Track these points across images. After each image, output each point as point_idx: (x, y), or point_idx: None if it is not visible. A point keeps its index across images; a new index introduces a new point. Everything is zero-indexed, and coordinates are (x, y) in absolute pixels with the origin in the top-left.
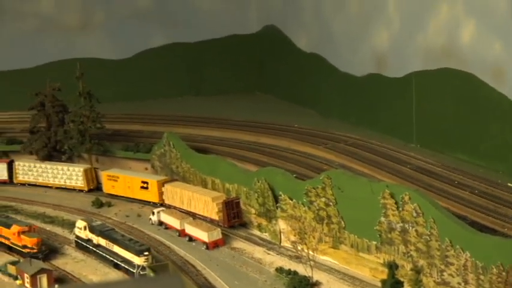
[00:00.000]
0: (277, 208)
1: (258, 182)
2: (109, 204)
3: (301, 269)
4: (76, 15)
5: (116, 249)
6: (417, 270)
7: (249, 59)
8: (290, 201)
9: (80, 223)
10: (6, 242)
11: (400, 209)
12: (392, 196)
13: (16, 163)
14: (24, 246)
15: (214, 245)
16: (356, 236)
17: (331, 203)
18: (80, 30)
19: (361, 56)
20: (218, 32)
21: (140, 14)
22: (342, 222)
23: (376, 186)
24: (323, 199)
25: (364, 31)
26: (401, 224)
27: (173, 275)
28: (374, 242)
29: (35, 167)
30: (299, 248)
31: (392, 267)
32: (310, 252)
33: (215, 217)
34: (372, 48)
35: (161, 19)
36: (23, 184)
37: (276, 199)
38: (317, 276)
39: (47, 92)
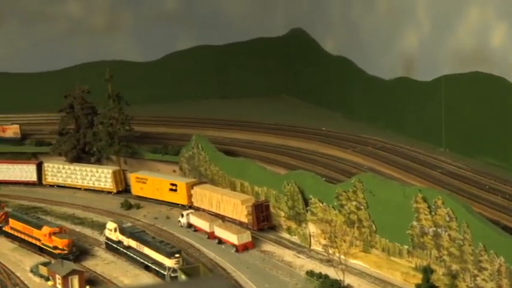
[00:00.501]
0: (307, 211)
1: (288, 185)
2: (138, 206)
3: (332, 273)
4: (104, 17)
5: (147, 251)
6: (453, 275)
7: (276, 62)
8: (320, 204)
9: (111, 225)
10: (37, 243)
11: (433, 213)
12: (425, 200)
13: (45, 165)
14: (55, 248)
15: (244, 247)
16: (387, 240)
17: (362, 207)
18: (107, 33)
19: (389, 59)
20: (245, 35)
21: (168, 17)
22: (373, 226)
23: (408, 190)
24: (354, 203)
25: (393, 34)
26: (434, 229)
27: (218, 277)
28: (406, 246)
29: (63, 168)
30: (330, 251)
31: (427, 271)
32: (341, 256)
33: (244, 220)
34: (401, 52)
35: (188, 22)
36: (51, 185)
37: (306, 202)
38: (348, 279)
39: (76, 94)
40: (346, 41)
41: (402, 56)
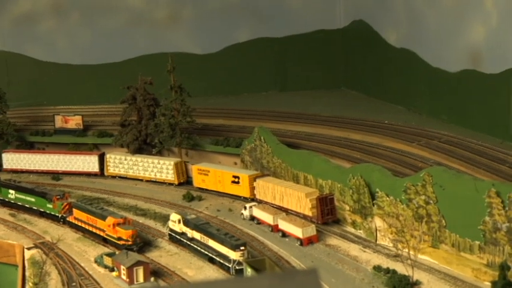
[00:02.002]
0: (373, 205)
1: (354, 178)
2: (200, 198)
3: (400, 268)
4: (164, 9)
5: (211, 243)
6: None
7: (335, 55)
8: (387, 198)
9: (174, 216)
10: (101, 234)
11: (507, 208)
12: (498, 195)
13: (107, 156)
14: (119, 238)
15: (309, 241)
16: (458, 236)
17: (431, 201)
18: (167, 24)
19: (454, 52)
20: (305, 27)
21: (227, 9)
22: (443, 221)
23: (480, 184)
24: (423, 197)
25: (458, 26)
26: (507, 224)
27: (310, 271)
28: (477, 242)
29: (125, 159)
30: (399, 246)
31: (504, 268)
32: (411, 251)
33: (308, 213)
34: (467, 44)
35: (248, 13)
36: (113, 177)
37: (372, 196)
38: (417, 275)
39: (139, 86)
40: (409, 33)
41: (468, 47)
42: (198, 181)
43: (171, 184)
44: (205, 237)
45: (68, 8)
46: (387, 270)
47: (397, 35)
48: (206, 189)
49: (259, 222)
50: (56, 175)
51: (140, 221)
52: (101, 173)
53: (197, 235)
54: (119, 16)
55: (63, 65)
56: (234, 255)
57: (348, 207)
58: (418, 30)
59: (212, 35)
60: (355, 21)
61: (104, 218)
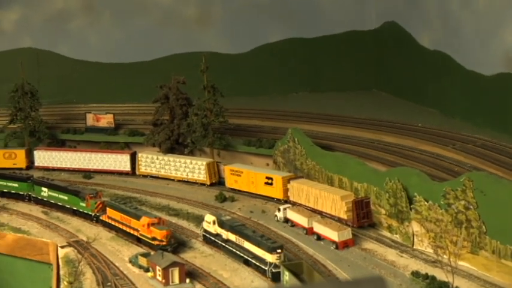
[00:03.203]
0: (411, 210)
1: (390, 181)
2: (232, 199)
3: (439, 274)
4: (195, 8)
5: (247, 245)
6: None
7: (367, 56)
8: (425, 203)
9: (209, 217)
10: (135, 233)
11: None
12: None
13: (139, 155)
14: (154, 238)
15: (344, 244)
16: (498, 242)
17: (471, 206)
18: (198, 24)
19: (490, 54)
20: (336, 28)
21: (258, 9)
22: (483, 227)
23: None
24: (462, 202)
25: (494, 28)
26: None
27: (376, 279)
28: None
29: (157, 159)
30: (439, 251)
31: None
32: (451, 257)
33: (343, 216)
34: (503, 46)
35: (279, 14)
36: (144, 176)
37: (410, 200)
38: (456, 282)
39: (172, 85)
40: (443, 35)
41: (504, 50)
42: (230, 182)
43: (202, 184)
44: (240, 239)
45: (100, 6)
46: (426, 276)
47: (430, 37)
48: (238, 190)
49: (293, 224)
50: (87, 173)
51: (173, 221)
52: (133, 172)
53: (232, 237)
54: (150, 15)
55: (94, 63)
56: (270, 258)
57: (383, 211)
58: (453, 33)
59: (243, 35)
60: (387, 22)
61: (138, 217)
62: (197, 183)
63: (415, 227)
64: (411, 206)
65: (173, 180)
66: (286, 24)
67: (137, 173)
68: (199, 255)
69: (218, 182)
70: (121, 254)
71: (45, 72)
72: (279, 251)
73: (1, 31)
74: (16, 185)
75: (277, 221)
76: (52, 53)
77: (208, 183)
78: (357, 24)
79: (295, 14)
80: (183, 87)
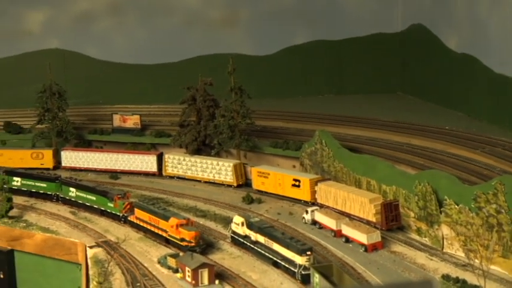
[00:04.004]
0: (441, 213)
1: (420, 184)
2: (259, 201)
3: (469, 278)
4: (221, 10)
5: (276, 247)
6: None
7: (392, 59)
8: (456, 206)
9: (238, 219)
10: (164, 234)
11: None
12: None
13: (166, 156)
14: (182, 239)
15: (373, 247)
16: None
17: (503, 210)
18: (224, 26)
19: None
20: (362, 30)
21: (284, 11)
22: None
23: None
24: (494, 205)
25: None
26: None
27: (425, 283)
28: None
29: (184, 160)
30: (471, 255)
31: None
32: (483, 261)
33: (372, 219)
34: None
35: (305, 16)
36: (171, 177)
37: (439, 203)
38: (487, 286)
39: (199, 86)
40: (471, 38)
41: None
42: (257, 183)
43: (229, 186)
44: (269, 240)
45: (125, 7)
46: (457, 280)
47: (458, 40)
48: (265, 192)
49: (321, 226)
50: (114, 174)
51: (200, 222)
52: (159, 173)
53: (261, 238)
54: (176, 16)
55: (119, 64)
56: (300, 260)
57: (412, 214)
58: (481, 35)
59: (268, 37)
60: (413, 25)
61: (166, 218)
62: (224, 184)
63: (445, 230)
64: (441, 209)
65: (200, 181)
66: (312, 26)
67: (164, 174)
68: (228, 257)
69: (245, 183)
70: (149, 255)
71: (72, 73)
72: (308, 253)
73: (28, 32)
74: (44, 185)
75: (305, 223)
76: (78, 54)
77: (235, 184)
78: (383, 26)
79: (321, 16)
80: (210, 89)
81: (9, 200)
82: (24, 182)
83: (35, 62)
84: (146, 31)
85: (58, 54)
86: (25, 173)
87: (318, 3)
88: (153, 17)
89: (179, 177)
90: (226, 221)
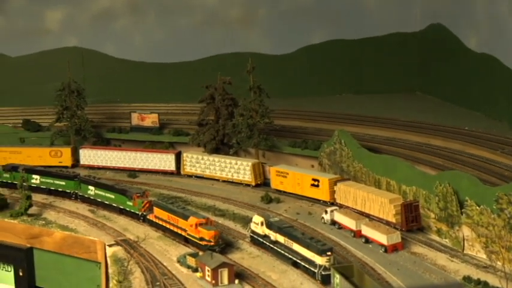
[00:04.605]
0: (461, 214)
1: (440, 185)
2: (278, 200)
3: (491, 279)
4: (239, 9)
5: (296, 247)
6: None
7: (411, 58)
8: (477, 207)
9: (257, 218)
10: (183, 233)
11: None
12: None
13: (184, 155)
14: (201, 239)
15: (393, 248)
16: None
17: None
18: (242, 25)
19: None
20: (380, 30)
21: (302, 10)
22: None
23: None
24: None
25: None
26: None
27: (454, 285)
28: None
29: (202, 159)
30: (493, 257)
31: None
32: (502, 263)
33: (392, 219)
34: None
35: (323, 15)
36: (189, 176)
37: (460, 204)
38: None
39: (218, 85)
40: (491, 38)
41: None
42: (276, 183)
43: (248, 185)
44: (289, 240)
45: (144, 6)
46: (478, 281)
47: (478, 40)
48: (284, 192)
49: (341, 226)
50: (132, 172)
51: (219, 222)
52: (177, 172)
53: (281, 238)
54: (194, 15)
55: (138, 62)
56: (320, 260)
57: (433, 215)
58: (501, 35)
59: (286, 36)
60: (432, 24)
61: (186, 217)
62: (242, 183)
63: (466, 231)
64: (462, 210)
65: (218, 180)
66: (330, 25)
67: (182, 172)
68: (247, 256)
69: (263, 183)
70: (169, 254)
71: (90, 71)
72: (329, 253)
73: (47, 30)
74: (63, 183)
75: (324, 223)
76: (97, 52)
77: (254, 184)
78: (402, 26)
79: (339, 16)
80: (228, 88)
81: (29, 197)
82: (43, 180)
83: (53, 60)
84: (164, 30)
85: (76, 52)
86: (44, 171)
87: (337, 3)
88: (171, 15)
89: (197, 176)
90: (245, 221)
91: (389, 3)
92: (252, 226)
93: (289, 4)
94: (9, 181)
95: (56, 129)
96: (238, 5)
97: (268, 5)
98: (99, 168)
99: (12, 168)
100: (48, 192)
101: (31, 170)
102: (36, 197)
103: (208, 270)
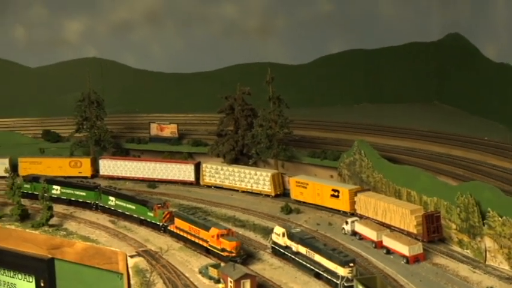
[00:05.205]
0: (483, 225)
1: (462, 196)
2: (298, 211)
3: None
4: (258, 19)
5: (318, 258)
6: None
7: (428, 68)
8: (499, 218)
9: (278, 229)
10: (204, 244)
11: None
12: None
13: (203, 165)
14: (223, 250)
15: (415, 259)
16: None
17: None
18: (260, 35)
19: None
20: (398, 39)
21: (320, 20)
22: None
23: None
24: None
25: None
26: None
27: None
28: None
29: (222, 169)
30: None
31: None
32: None
33: (413, 230)
34: None
35: (342, 25)
36: (208, 186)
37: (482, 215)
38: None
39: (237, 96)
40: (509, 48)
41: None
42: (295, 193)
43: (267, 195)
44: (311, 251)
45: (163, 17)
46: None
47: (497, 49)
48: (303, 202)
49: (361, 237)
50: (151, 183)
51: (239, 232)
52: (196, 182)
53: (302, 249)
54: (212, 26)
55: (156, 73)
56: (342, 271)
57: (454, 226)
58: None
59: (304, 46)
60: (450, 34)
61: (207, 228)
62: (261, 194)
63: (488, 242)
64: (484, 221)
65: (237, 191)
66: (348, 35)
67: (201, 183)
68: (269, 267)
69: (283, 193)
70: (190, 265)
71: (109, 81)
72: (351, 264)
73: (66, 41)
74: (83, 193)
75: (345, 234)
76: (116, 63)
77: (273, 194)
78: (419, 35)
79: (357, 25)
80: (247, 98)
81: (50, 208)
82: (63, 190)
83: (72, 70)
84: (183, 40)
85: (95, 63)
86: (64, 182)
87: (355, 12)
88: (190, 26)
89: (216, 187)
90: (266, 231)
91: (407, 12)
92: (274, 237)
93: (307, 14)
94: (30, 191)
95: (76, 139)
96: (256, 15)
97: (287, 15)
98: (118, 178)
99: (33, 178)
100: (69, 202)
101: (52, 181)
102: (57, 208)
103: (230, 282)
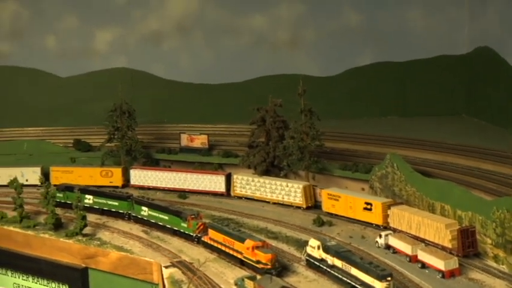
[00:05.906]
0: None
1: (498, 211)
2: (330, 224)
3: None
4: (286, 31)
5: (354, 271)
6: None
7: (457, 81)
8: None
9: (313, 242)
10: (239, 256)
11: None
12: None
13: (234, 176)
14: (258, 262)
15: (451, 274)
16: None
17: None
18: (289, 46)
19: None
20: (427, 52)
21: (348, 32)
22: None
23: None
24: None
25: None
26: None
27: None
28: None
29: (253, 181)
30: None
31: None
32: None
33: (448, 245)
34: None
35: (370, 37)
36: (239, 197)
37: None
38: None
39: (269, 108)
40: None
41: None
42: (327, 206)
43: (298, 207)
44: (347, 265)
45: (192, 28)
46: None
47: None
48: (335, 215)
49: (395, 251)
50: (182, 193)
51: (273, 244)
52: (227, 193)
53: (338, 262)
54: (241, 37)
55: (185, 83)
56: (379, 285)
57: (489, 241)
58: None
59: (333, 58)
60: (479, 47)
61: (242, 240)
62: (292, 206)
63: None
64: None
65: (268, 202)
66: (376, 48)
67: (232, 194)
68: (304, 280)
69: (314, 205)
70: (225, 276)
71: (139, 92)
72: (388, 278)
73: (97, 51)
74: (116, 203)
75: (378, 247)
76: (145, 73)
77: (305, 206)
78: (448, 48)
79: (385, 38)
80: (278, 109)
81: (84, 217)
82: (96, 200)
83: (102, 80)
84: (212, 51)
85: (125, 73)
86: (97, 191)
87: (384, 25)
88: (219, 37)
89: (247, 198)
90: (299, 243)
91: (436, 25)
92: (308, 250)
93: (336, 26)
94: (63, 201)
95: (107, 149)
96: (285, 27)
97: (315, 27)
98: (149, 188)
99: (66, 188)
100: (101, 212)
101: (85, 190)
102: (90, 217)
103: None
